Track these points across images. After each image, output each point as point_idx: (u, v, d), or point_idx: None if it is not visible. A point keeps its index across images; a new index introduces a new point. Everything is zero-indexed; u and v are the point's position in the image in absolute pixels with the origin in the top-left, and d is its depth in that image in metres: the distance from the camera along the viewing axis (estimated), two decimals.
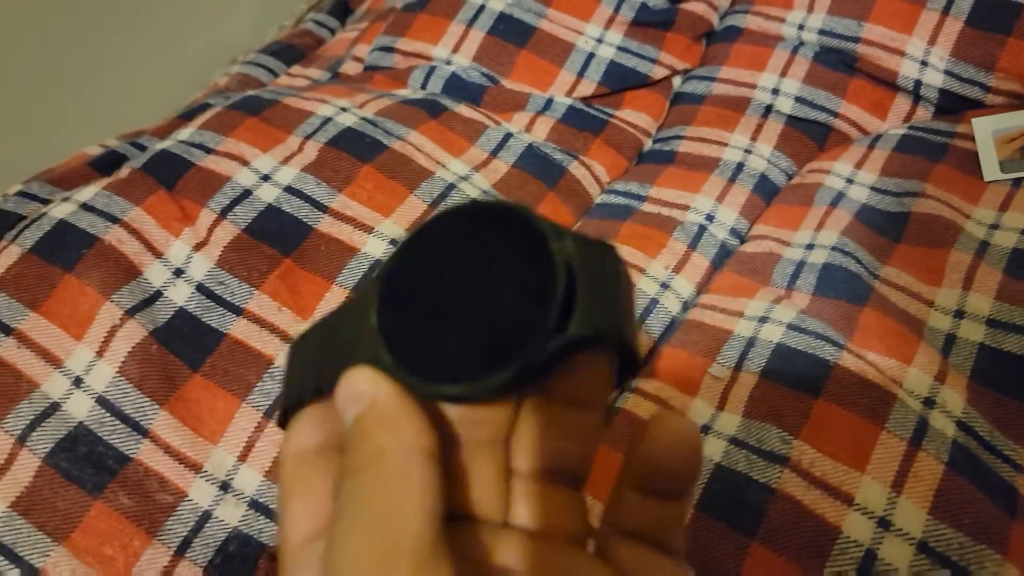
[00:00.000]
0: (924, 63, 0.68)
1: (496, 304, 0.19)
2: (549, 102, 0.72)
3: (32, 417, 0.48)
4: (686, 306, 0.58)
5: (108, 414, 0.49)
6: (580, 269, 0.18)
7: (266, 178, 0.59)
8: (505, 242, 0.19)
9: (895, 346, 0.51)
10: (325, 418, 0.22)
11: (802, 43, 0.73)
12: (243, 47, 1.10)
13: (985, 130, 0.64)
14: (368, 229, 0.57)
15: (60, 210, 0.56)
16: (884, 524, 0.43)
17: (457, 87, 0.73)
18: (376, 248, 0.56)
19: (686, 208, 0.64)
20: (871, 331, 0.52)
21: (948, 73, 0.68)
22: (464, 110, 0.69)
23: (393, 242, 0.57)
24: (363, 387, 0.19)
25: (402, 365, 0.19)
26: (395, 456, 0.18)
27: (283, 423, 0.23)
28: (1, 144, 0.90)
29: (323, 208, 0.58)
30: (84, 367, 0.50)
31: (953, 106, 0.68)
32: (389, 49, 0.77)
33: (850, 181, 0.64)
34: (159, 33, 1.03)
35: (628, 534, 0.22)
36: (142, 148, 0.67)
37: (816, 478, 0.45)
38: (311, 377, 0.22)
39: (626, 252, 0.61)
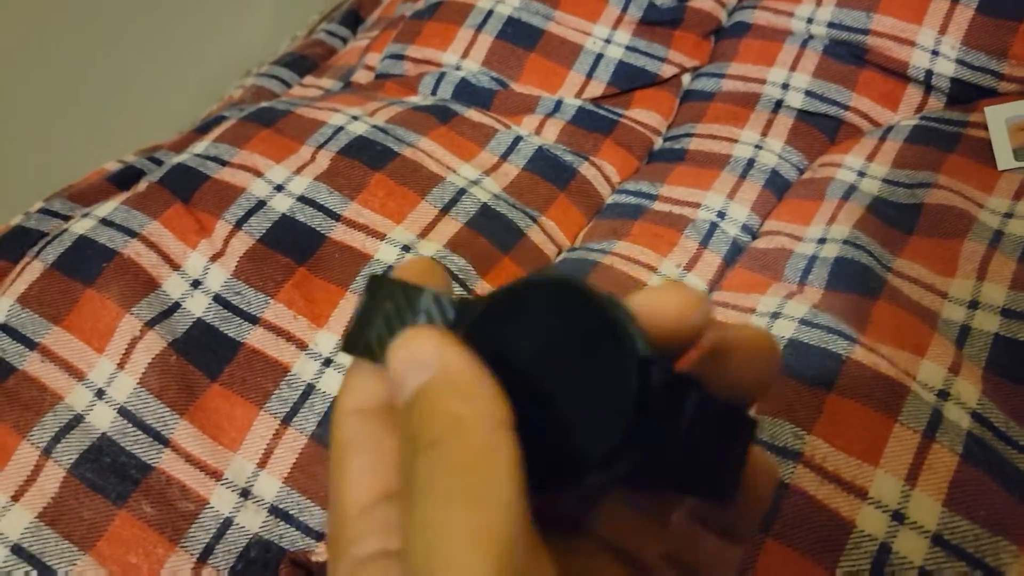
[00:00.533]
0: (935, 52, 0.68)
1: (566, 408, 0.18)
2: (559, 104, 0.73)
3: (57, 429, 0.50)
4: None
5: (130, 424, 0.50)
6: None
7: (280, 188, 0.60)
8: (592, 346, 0.18)
9: (908, 338, 0.50)
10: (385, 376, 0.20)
11: (811, 36, 0.73)
12: (257, 58, 1.12)
13: (998, 118, 0.63)
14: (380, 236, 0.58)
15: (80, 226, 0.58)
16: (898, 517, 0.43)
17: (467, 92, 0.74)
18: (388, 254, 0.57)
19: (697, 206, 0.64)
20: (884, 324, 0.51)
21: (960, 62, 0.67)
22: (474, 115, 0.70)
23: (406, 248, 0.57)
24: (428, 352, 0.18)
25: None
26: (478, 429, 0.17)
27: (347, 349, 0.21)
28: (22, 160, 0.92)
29: (336, 216, 0.59)
30: (106, 379, 0.51)
31: (965, 95, 0.68)
32: (399, 57, 0.78)
33: (862, 174, 0.64)
34: (174, 47, 1.05)
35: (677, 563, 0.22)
36: (159, 162, 0.69)
37: (829, 472, 0.45)
38: (382, 331, 0.20)
39: (637, 251, 0.61)
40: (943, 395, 0.47)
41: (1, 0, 0.85)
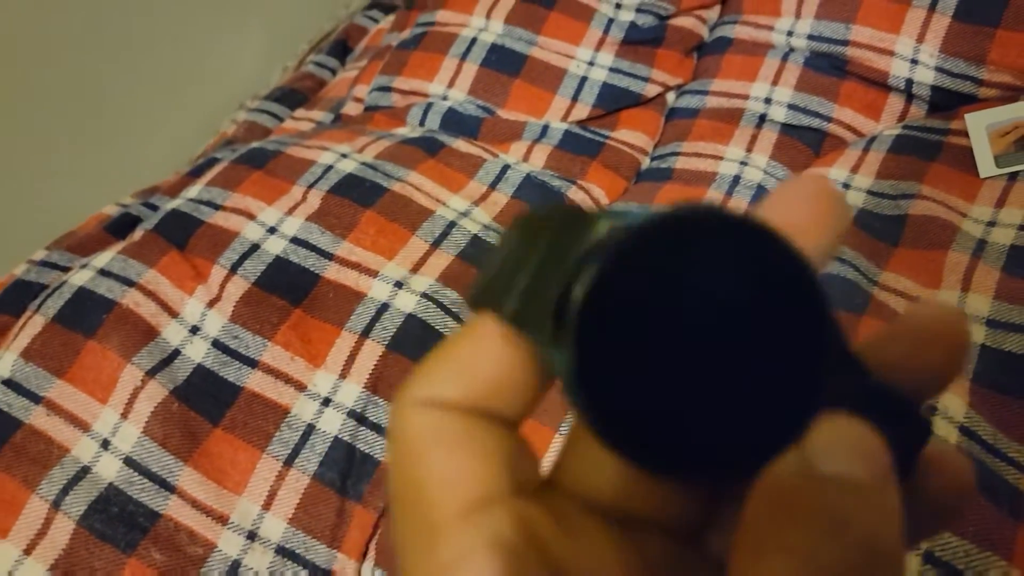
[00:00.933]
0: (914, 61, 0.68)
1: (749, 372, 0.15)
2: (545, 129, 0.74)
3: (65, 482, 0.51)
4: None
5: (136, 473, 0.51)
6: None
7: (272, 230, 0.61)
8: (751, 281, 0.15)
9: None
10: (465, 370, 0.17)
11: (792, 49, 0.74)
12: (249, 91, 1.13)
13: (979, 125, 0.64)
14: (373, 273, 0.59)
15: (79, 277, 0.59)
16: None
17: (454, 121, 0.75)
18: (381, 292, 0.58)
19: None
20: None
21: (939, 69, 0.68)
22: (462, 145, 0.71)
23: (399, 284, 0.58)
24: (877, 455, 0.15)
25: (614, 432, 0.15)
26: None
27: (475, 306, 0.17)
28: (21, 202, 0.94)
29: (328, 256, 0.60)
30: (111, 429, 0.53)
31: (946, 102, 0.68)
32: (387, 88, 0.79)
33: (847, 186, 0.64)
34: (168, 83, 1.06)
35: None
36: (155, 207, 0.70)
37: None
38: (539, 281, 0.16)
39: None
40: (931, 410, 0.48)
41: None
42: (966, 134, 0.64)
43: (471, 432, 0.16)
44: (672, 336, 0.14)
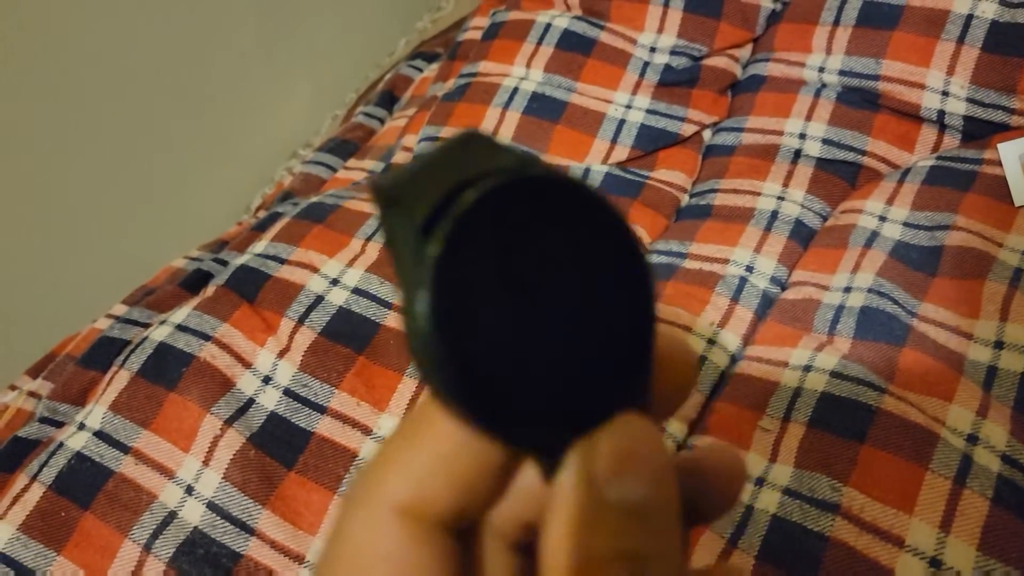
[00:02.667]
0: (945, 93, 0.70)
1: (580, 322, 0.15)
2: (587, 172, 0.77)
3: (154, 526, 0.55)
4: (733, 359, 0.62)
5: (218, 517, 0.55)
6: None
7: (335, 282, 0.65)
8: (587, 242, 0.15)
9: (935, 384, 0.53)
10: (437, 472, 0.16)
11: (824, 85, 0.76)
12: (301, 140, 1.19)
13: (1011, 154, 0.66)
14: None
15: (159, 333, 0.63)
16: (935, 564, 0.45)
17: None
18: None
19: (726, 262, 0.67)
20: (911, 372, 0.54)
21: (970, 100, 0.70)
22: None
23: None
24: (657, 468, 0.15)
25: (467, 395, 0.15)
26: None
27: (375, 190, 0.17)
28: (95, 259, 1.00)
29: (388, 305, 0.63)
30: (194, 476, 0.57)
31: (979, 131, 0.70)
32: (434, 139, 0.83)
33: (883, 219, 0.66)
34: (221, 137, 1.12)
35: None
36: (224, 263, 0.74)
37: (867, 523, 0.47)
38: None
39: (671, 313, 0.64)
40: (972, 439, 0.50)
41: (68, 112, 0.92)
42: (1000, 163, 0.66)
43: (408, 559, 0.16)
44: (512, 293, 0.15)
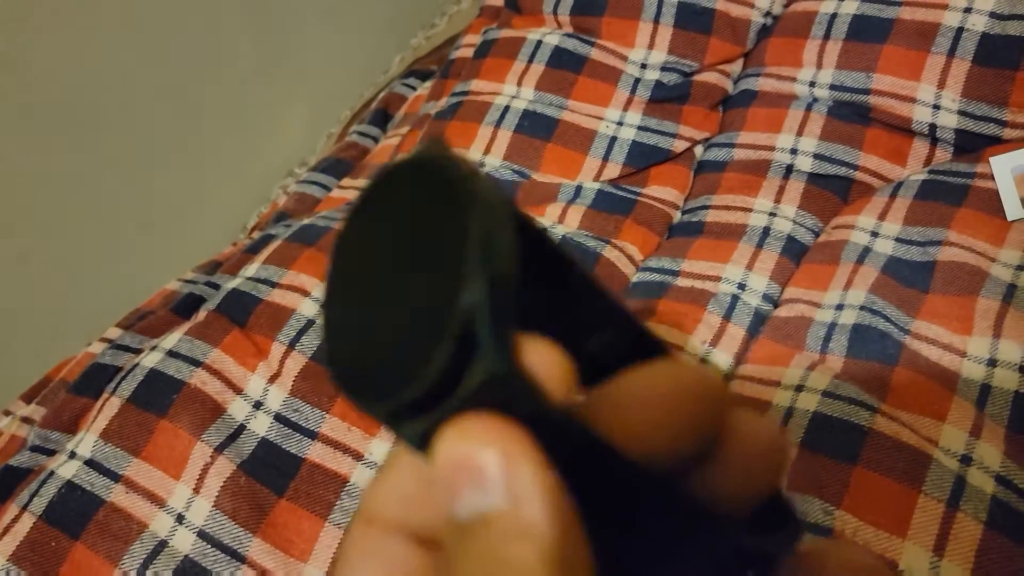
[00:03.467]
0: (936, 107, 0.70)
1: (419, 299, 0.15)
2: (578, 189, 0.77)
3: (145, 556, 0.55)
4: (726, 379, 0.61)
5: (209, 546, 0.55)
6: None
7: None
8: (434, 211, 0.15)
9: (928, 404, 0.52)
10: (412, 491, 0.17)
11: (815, 100, 0.76)
12: (296, 158, 1.19)
13: (1004, 167, 0.65)
14: None
15: (150, 359, 0.63)
16: None
17: None
18: None
19: (718, 279, 0.67)
20: (904, 391, 0.54)
21: (962, 113, 0.69)
22: None
23: None
24: (493, 467, 0.14)
25: (338, 369, 0.15)
26: None
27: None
28: (92, 280, 1.00)
29: None
30: (184, 504, 0.56)
31: (971, 144, 0.70)
32: None
33: (875, 234, 0.66)
34: (217, 156, 1.12)
35: None
36: (216, 287, 0.74)
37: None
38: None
39: (663, 331, 0.64)
40: (966, 460, 0.49)
41: (64, 132, 0.92)
42: (992, 177, 0.66)
43: (379, 550, 0.17)
44: (368, 267, 0.16)
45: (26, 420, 0.71)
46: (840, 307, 0.61)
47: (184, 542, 0.55)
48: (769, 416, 0.17)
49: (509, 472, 0.14)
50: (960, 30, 0.70)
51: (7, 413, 0.74)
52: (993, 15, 0.69)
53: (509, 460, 0.14)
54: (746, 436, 0.17)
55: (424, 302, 0.14)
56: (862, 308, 0.60)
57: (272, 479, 0.58)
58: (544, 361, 0.15)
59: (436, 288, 0.14)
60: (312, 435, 0.59)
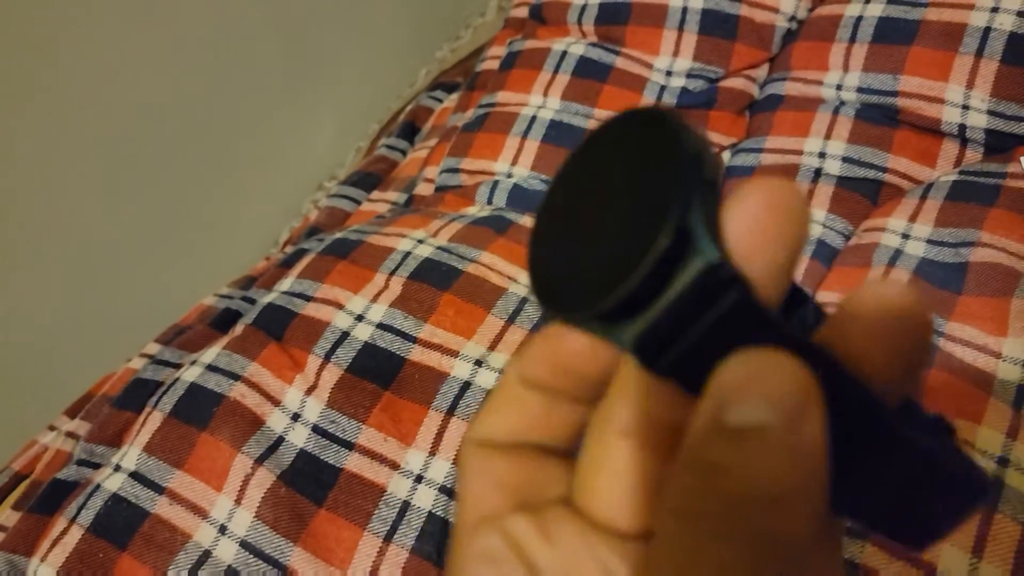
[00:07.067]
0: (965, 107, 0.70)
1: (626, 220, 0.16)
2: None
3: (190, 566, 0.56)
4: None
5: (251, 556, 0.56)
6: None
7: (360, 318, 0.66)
8: (640, 149, 0.16)
9: (964, 406, 0.52)
10: (525, 406, 0.20)
11: (843, 103, 0.76)
12: (326, 172, 1.21)
13: None
14: (454, 353, 0.63)
15: (190, 374, 0.65)
16: None
17: (520, 197, 0.79)
18: (463, 370, 0.62)
19: None
20: (939, 393, 0.53)
21: (991, 113, 0.69)
22: (528, 220, 0.75)
23: (478, 363, 0.62)
24: (783, 387, 0.14)
25: (545, 294, 0.17)
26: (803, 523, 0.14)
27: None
28: (130, 297, 1.02)
29: (412, 339, 0.64)
30: (226, 515, 0.58)
31: (1002, 144, 0.69)
32: (455, 170, 0.84)
33: (906, 236, 0.66)
34: (249, 172, 1.14)
35: None
36: (252, 301, 0.76)
37: (897, 549, 0.47)
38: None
39: None
40: (1003, 462, 0.49)
41: (101, 152, 0.95)
42: (1023, 176, 0.65)
43: (489, 465, 0.20)
44: (577, 202, 0.18)
45: (71, 435, 0.73)
46: None
47: (227, 552, 0.56)
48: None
49: (796, 396, 0.14)
50: (988, 30, 0.70)
51: (52, 428, 0.76)
52: (1021, 14, 0.69)
53: (799, 387, 0.14)
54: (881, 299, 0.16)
55: (635, 215, 0.16)
56: None
57: (311, 489, 0.59)
58: (752, 256, 0.15)
59: (648, 200, 0.16)
60: (349, 446, 0.60)
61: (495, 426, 0.21)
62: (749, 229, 0.15)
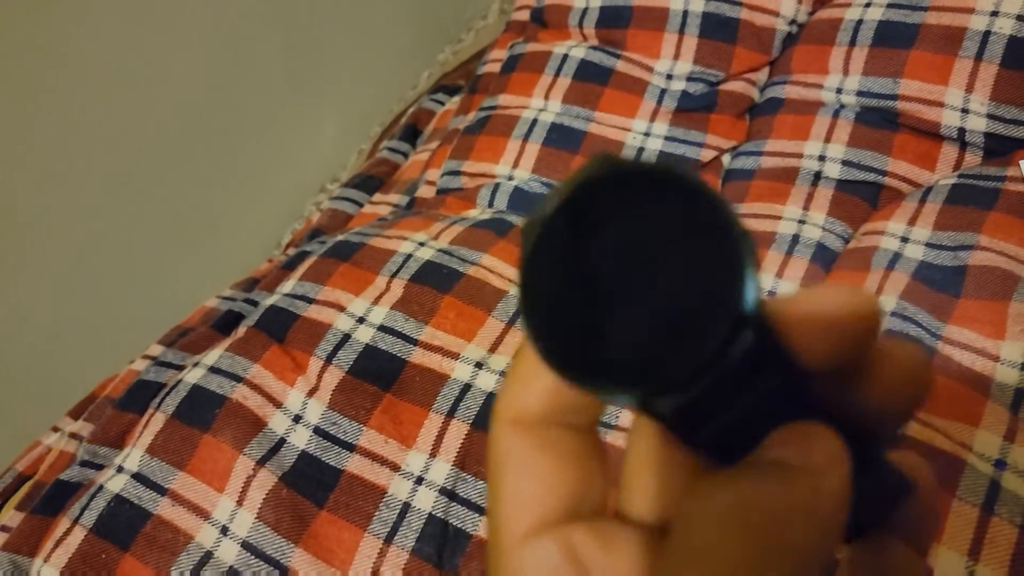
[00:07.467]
0: (965, 111, 0.70)
1: (668, 287, 0.15)
2: None
3: (192, 566, 0.56)
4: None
5: (253, 556, 0.56)
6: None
7: (361, 320, 0.66)
8: (672, 216, 0.16)
9: (962, 409, 0.52)
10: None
11: (842, 106, 0.76)
12: (329, 174, 1.21)
13: None
14: (455, 356, 0.63)
15: (192, 375, 0.65)
16: None
17: (521, 200, 0.79)
18: (464, 373, 0.62)
19: None
20: (937, 396, 0.54)
21: (991, 116, 0.69)
22: None
23: (479, 365, 0.62)
24: (822, 443, 0.16)
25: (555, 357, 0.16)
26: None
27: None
28: (132, 299, 1.02)
29: (413, 341, 0.64)
30: (228, 516, 0.58)
31: (1001, 148, 0.69)
32: (456, 172, 0.84)
33: (905, 239, 0.66)
34: (252, 174, 1.14)
35: None
36: (254, 303, 0.76)
37: None
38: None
39: None
40: (1000, 464, 0.49)
41: (103, 153, 0.95)
42: (1023, 180, 0.65)
43: (539, 456, 0.18)
44: (602, 266, 0.16)
45: (74, 436, 0.73)
46: None
47: (229, 553, 0.57)
48: (914, 346, 0.17)
49: (829, 452, 0.16)
50: (987, 33, 0.70)
51: (56, 429, 0.76)
52: (1020, 18, 0.69)
53: (831, 446, 0.16)
54: (892, 358, 0.18)
55: (676, 289, 0.15)
56: (893, 314, 0.60)
57: (313, 491, 0.59)
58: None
59: (692, 275, 0.15)
60: (350, 448, 0.61)
61: (529, 400, 0.19)
62: (819, 333, 0.17)
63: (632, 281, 0.16)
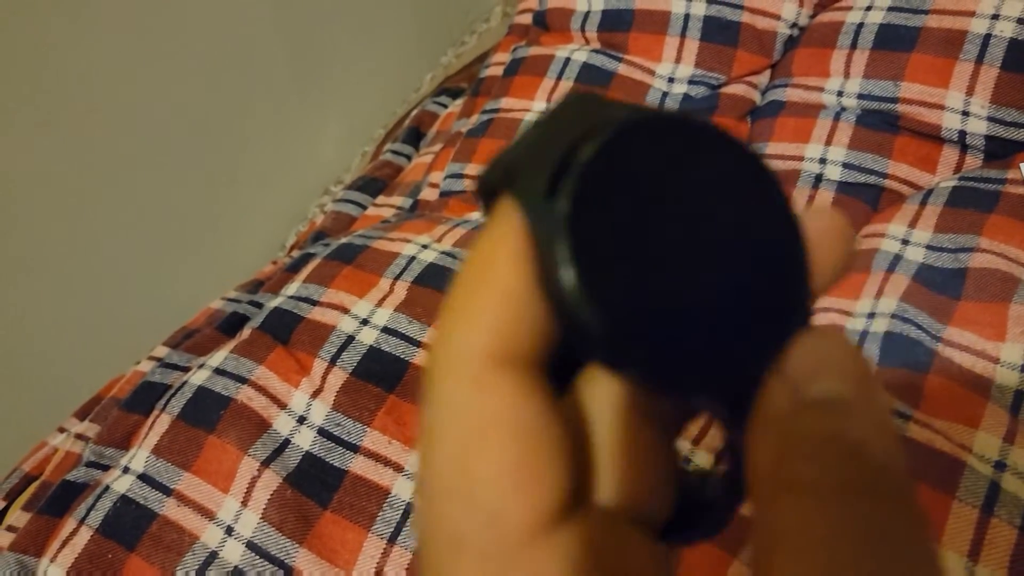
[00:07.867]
0: (965, 113, 0.70)
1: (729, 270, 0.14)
2: None
3: (197, 567, 0.57)
4: None
5: (258, 557, 0.57)
6: None
7: (365, 322, 0.67)
8: (727, 180, 0.15)
9: (962, 410, 0.53)
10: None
11: (843, 109, 0.76)
12: (332, 176, 1.22)
13: None
14: None
15: (198, 377, 0.66)
16: None
17: None
18: None
19: None
20: (937, 398, 0.54)
21: (991, 119, 0.70)
22: None
23: None
24: (854, 367, 0.15)
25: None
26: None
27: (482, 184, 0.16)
28: (138, 300, 1.03)
29: (416, 343, 0.65)
30: (233, 517, 0.58)
31: (1002, 150, 0.70)
32: (459, 175, 0.85)
33: (905, 242, 0.66)
34: (256, 176, 1.15)
35: None
36: (259, 305, 0.77)
37: None
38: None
39: None
40: (1000, 466, 0.50)
41: (107, 155, 0.96)
42: (1023, 182, 0.66)
43: (538, 419, 0.14)
44: (660, 229, 0.14)
45: (80, 437, 0.74)
46: (872, 315, 0.62)
47: (234, 553, 0.57)
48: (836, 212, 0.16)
49: (864, 374, 0.15)
50: (988, 36, 0.70)
51: (62, 430, 0.77)
52: (1021, 21, 0.69)
53: (863, 361, 0.15)
54: (814, 218, 0.17)
55: (744, 282, 0.15)
56: (894, 316, 0.60)
57: (317, 491, 0.60)
58: None
59: (759, 260, 0.15)
60: (354, 448, 0.61)
61: (492, 336, 0.14)
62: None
63: (701, 257, 0.14)
